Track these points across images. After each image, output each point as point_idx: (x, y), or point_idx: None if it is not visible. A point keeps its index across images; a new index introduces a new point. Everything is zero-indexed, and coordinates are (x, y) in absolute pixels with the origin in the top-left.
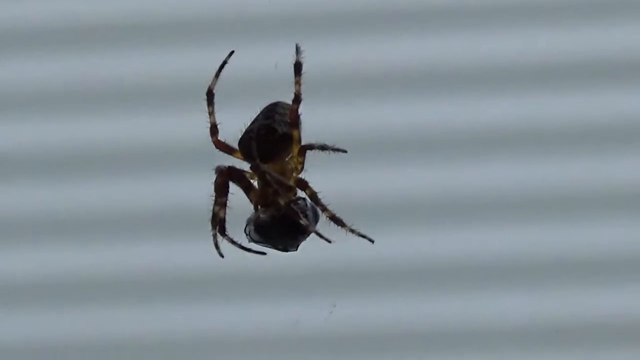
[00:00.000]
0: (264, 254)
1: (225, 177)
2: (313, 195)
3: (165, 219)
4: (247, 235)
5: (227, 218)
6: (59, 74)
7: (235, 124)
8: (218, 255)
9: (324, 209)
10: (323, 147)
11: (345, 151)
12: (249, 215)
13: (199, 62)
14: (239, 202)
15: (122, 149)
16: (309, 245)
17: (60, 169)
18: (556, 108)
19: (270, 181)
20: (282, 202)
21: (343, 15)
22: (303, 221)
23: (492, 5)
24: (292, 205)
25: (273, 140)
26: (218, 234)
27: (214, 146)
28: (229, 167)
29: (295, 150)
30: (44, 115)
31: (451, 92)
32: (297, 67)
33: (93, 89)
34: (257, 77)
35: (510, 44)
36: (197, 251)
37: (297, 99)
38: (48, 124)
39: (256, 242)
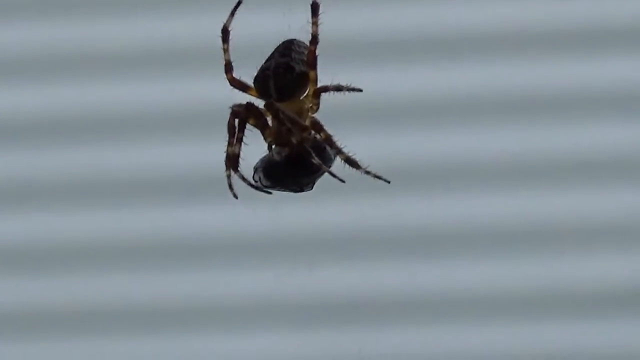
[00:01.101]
0: (270, 193)
1: (242, 114)
2: (328, 138)
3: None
4: (256, 182)
5: (241, 154)
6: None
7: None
8: (232, 197)
9: (339, 151)
10: (338, 88)
11: (360, 90)
12: (257, 161)
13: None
14: (251, 147)
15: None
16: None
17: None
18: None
19: (284, 120)
20: (295, 140)
21: None
22: (315, 160)
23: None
24: (305, 143)
25: (290, 78)
26: (232, 173)
27: (229, 83)
28: (247, 102)
29: (311, 91)
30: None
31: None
32: (314, 8)
33: (83, 51)
34: (269, 35)
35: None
36: (186, 216)
37: (315, 40)
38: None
39: (268, 187)
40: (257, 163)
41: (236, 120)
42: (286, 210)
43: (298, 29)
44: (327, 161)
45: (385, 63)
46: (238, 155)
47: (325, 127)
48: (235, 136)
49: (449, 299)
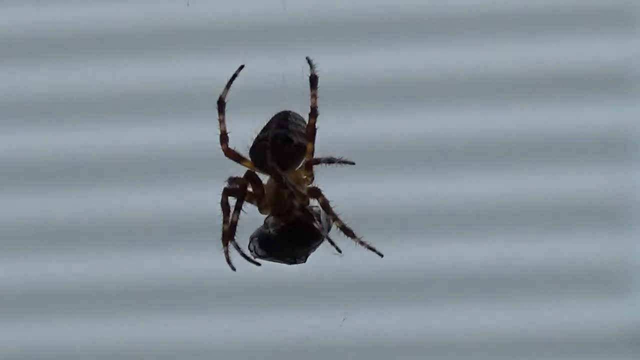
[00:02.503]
0: (259, 264)
1: (235, 191)
2: (325, 204)
3: (170, 227)
4: (251, 251)
5: (238, 223)
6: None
7: (242, 132)
8: (230, 269)
9: (335, 218)
10: (330, 161)
11: (353, 163)
12: (253, 231)
13: (206, 71)
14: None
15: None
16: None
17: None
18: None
19: (287, 185)
20: (297, 204)
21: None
22: (317, 225)
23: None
24: (307, 210)
25: (288, 149)
26: (230, 244)
27: (224, 154)
28: (247, 171)
29: (303, 163)
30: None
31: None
32: (313, 81)
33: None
34: (265, 88)
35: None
36: (207, 262)
37: (314, 113)
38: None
39: (262, 257)
40: (253, 232)
41: (229, 198)
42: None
43: (292, 79)
44: (327, 228)
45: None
46: (235, 224)
47: (324, 193)
48: (230, 214)
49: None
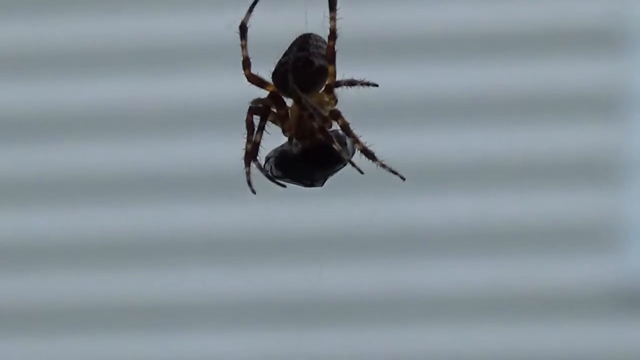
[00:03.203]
0: (284, 186)
1: (260, 110)
2: (345, 126)
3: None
4: (266, 171)
5: (262, 143)
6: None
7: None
8: (251, 192)
9: (356, 141)
10: (351, 83)
11: (376, 85)
12: (271, 150)
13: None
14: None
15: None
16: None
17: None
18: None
19: (307, 107)
20: (316, 126)
21: None
22: (337, 147)
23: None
24: (327, 131)
25: (309, 72)
26: (251, 167)
27: (247, 79)
28: (270, 91)
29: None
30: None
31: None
32: (332, 2)
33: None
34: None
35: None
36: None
37: (333, 35)
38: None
39: (278, 178)
40: (270, 152)
41: (254, 117)
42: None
43: (316, 26)
44: (349, 153)
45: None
46: (258, 145)
47: (344, 115)
48: (253, 132)
49: (414, 299)
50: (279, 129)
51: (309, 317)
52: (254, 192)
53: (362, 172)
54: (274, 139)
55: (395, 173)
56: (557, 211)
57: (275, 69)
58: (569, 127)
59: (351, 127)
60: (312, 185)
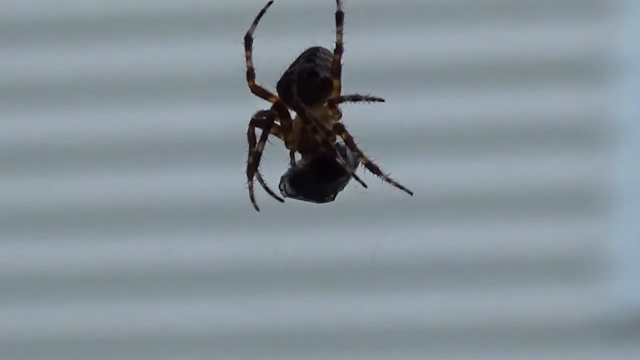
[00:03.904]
0: (282, 200)
1: (262, 123)
2: (349, 140)
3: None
4: (282, 190)
5: (263, 154)
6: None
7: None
8: (254, 208)
9: (360, 155)
10: (356, 98)
11: (382, 100)
12: (287, 170)
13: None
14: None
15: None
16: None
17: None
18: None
19: (310, 120)
20: (319, 140)
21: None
22: (340, 160)
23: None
24: (330, 145)
25: (314, 83)
26: (254, 179)
27: (251, 90)
28: (275, 102)
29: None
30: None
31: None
32: (339, 17)
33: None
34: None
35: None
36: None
37: (339, 49)
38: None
39: (292, 196)
40: (285, 172)
41: (257, 130)
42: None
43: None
44: (352, 166)
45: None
46: (260, 155)
47: (347, 129)
48: (255, 145)
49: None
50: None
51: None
52: (257, 208)
53: (365, 186)
54: (275, 149)
55: (401, 188)
56: (541, 242)
57: (281, 79)
58: (554, 157)
59: (355, 141)
60: (323, 200)
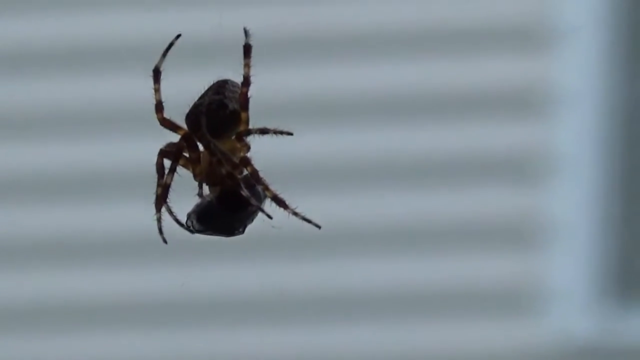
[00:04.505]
0: (192, 231)
1: (170, 154)
2: (254, 173)
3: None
4: (189, 227)
5: (172, 185)
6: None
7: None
8: (162, 242)
9: (266, 188)
10: (263, 131)
11: (290, 133)
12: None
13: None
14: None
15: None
16: None
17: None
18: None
19: (215, 152)
20: (224, 172)
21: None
22: (244, 193)
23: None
24: (235, 178)
25: (223, 115)
26: (163, 211)
27: (159, 123)
28: (182, 135)
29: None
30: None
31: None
32: (246, 49)
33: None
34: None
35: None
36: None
37: (247, 82)
38: None
39: (200, 232)
40: (191, 209)
41: (166, 161)
42: None
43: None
44: (257, 199)
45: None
46: (168, 187)
47: (253, 163)
48: (164, 176)
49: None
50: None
51: None
52: (165, 241)
53: (270, 217)
54: (185, 181)
55: (309, 221)
56: (477, 275)
57: (189, 111)
58: (490, 191)
59: (261, 174)
60: (232, 234)
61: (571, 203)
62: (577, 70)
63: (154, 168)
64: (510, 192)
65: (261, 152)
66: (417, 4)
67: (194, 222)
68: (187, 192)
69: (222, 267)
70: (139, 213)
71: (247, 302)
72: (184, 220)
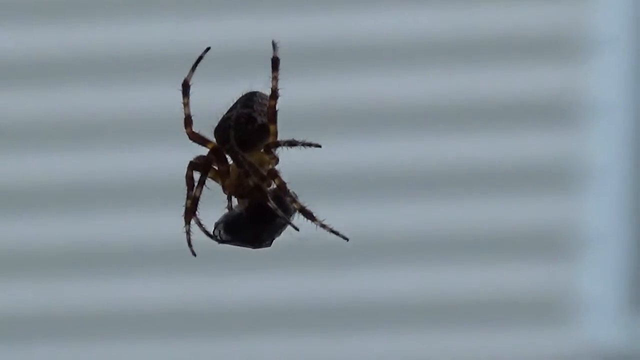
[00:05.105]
0: (220, 241)
1: (200, 166)
2: (282, 185)
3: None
4: (216, 236)
5: (201, 198)
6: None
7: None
8: (191, 254)
9: (293, 200)
10: (292, 143)
11: (319, 145)
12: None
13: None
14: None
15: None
16: None
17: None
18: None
19: (244, 164)
20: (251, 184)
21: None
22: (271, 205)
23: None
24: (264, 190)
25: (251, 129)
26: (191, 227)
27: (188, 137)
28: (211, 148)
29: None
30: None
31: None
32: (274, 63)
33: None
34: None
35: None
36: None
37: (275, 95)
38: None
39: (227, 242)
40: (219, 219)
41: (195, 173)
42: None
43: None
44: (286, 211)
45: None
46: (197, 200)
47: (281, 175)
48: (193, 188)
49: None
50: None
51: None
52: (194, 254)
53: (297, 229)
54: (214, 194)
55: (336, 233)
56: (511, 284)
57: (218, 124)
58: (522, 201)
59: (288, 186)
60: (260, 246)
61: (603, 213)
62: (610, 81)
63: (173, 176)
64: (544, 202)
65: (287, 163)
66: (449, 14)
67: (222, 231)
68: (215, 204)
69: (248, 277)
70: (164, 222)
71: (274, 311)
72: (211, 231)
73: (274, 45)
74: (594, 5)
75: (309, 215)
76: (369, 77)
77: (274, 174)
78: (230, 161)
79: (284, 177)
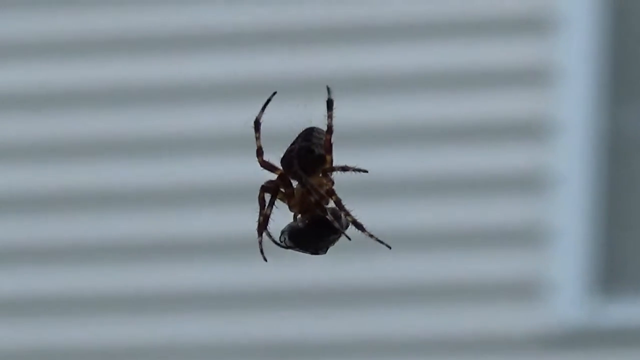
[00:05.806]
0: (283, 246)
1: (270, 189)
2: (338, 202)
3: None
4: (282, 242)
5: (271, 216)
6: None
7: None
8: (263, 260)
9: (347, 214)
10: (344, 169)
11: (365, 171)
12: (286, 225)
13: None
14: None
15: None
16: None
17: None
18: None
19: (307, 186)
20: (314, 203)
21: None
22: (330, 218)
23: None
24: (324, 207)
25: (311, 158)
26: (263, 235)
27: (260, 165)
28: (279, 174)
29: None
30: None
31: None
32: (329, 104)
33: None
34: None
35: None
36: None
37: (330, 130)
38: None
39: (290, 247)
40: (284, 227)
41: (265, 195)
42: None
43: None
44: (341, 224)
45: None
46: (268, 217)
47: (337, 193)
48: (265, 207)
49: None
50: (285, 205)
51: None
52: (265, 259)
53: (349, 239)
54: (281, 213)
55: (381, 242)
56: (493, 270)
57: (284, 155)
58: (506, 200)
59: (343, 203)
60: (317, 253)
61: (569, 212)
62: (572, 104)
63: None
64: (521, 203)
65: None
66: (444, 51)
67: (287, 238)
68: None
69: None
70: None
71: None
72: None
73: (328, 90)
74: (555, 41)
75: (359, 227)
76: (375, 104)
77: (332, 193)
78: (294, 184)
79: (339, 195)
